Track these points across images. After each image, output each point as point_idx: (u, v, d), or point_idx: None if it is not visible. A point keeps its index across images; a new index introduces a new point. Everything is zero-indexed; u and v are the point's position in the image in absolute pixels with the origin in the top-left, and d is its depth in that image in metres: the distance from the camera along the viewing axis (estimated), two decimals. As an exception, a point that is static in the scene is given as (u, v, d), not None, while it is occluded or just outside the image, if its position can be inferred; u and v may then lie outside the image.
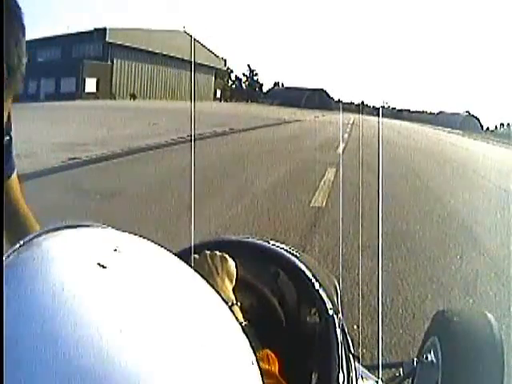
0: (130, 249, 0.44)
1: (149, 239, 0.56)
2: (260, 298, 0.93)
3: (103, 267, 0.39)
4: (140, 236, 0.50)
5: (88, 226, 0.52)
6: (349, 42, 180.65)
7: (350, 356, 0.93)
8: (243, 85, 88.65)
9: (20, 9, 0.61)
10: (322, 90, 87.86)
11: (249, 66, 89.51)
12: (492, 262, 4.63)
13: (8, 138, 0.90)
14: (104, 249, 0.42)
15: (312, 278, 0.96)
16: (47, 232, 0.46)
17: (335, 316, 0.91)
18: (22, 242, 0.48)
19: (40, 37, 42.97)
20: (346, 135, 19.93)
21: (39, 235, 0.46)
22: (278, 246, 1.08)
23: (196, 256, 0.93)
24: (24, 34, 0.61)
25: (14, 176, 1.04)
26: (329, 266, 3.87)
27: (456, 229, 5.81)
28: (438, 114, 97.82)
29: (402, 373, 1.70)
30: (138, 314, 0.37)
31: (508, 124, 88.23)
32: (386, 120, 59.71)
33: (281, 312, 0.92)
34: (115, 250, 0.42)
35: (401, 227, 5.51)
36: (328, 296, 0.95)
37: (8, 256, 0.45)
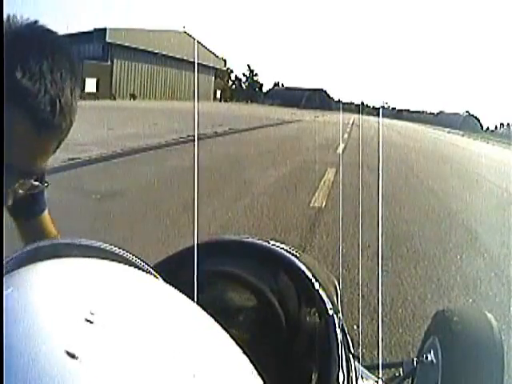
0: (119, 297, 0.37)
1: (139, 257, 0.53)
2: (260, 298, 0.93)
3: (90, 322, 0.32)
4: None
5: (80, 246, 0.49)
6: (348, 42, 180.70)
7: (350, 356, 0.93)
8: (243, 85, 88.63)
9: (76, 64, 0.64)
10: (321, 90, 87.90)
11: (249, 66, 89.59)
12: (492, 261, 4.63)
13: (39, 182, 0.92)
14: (92, 297, 0.35)
15: (312, 278, 0.96)
16: (36, 255, 0.42)
17: (335, 316, 0.91)
18: (18, 253, 0.47)
19: (40, 37, 42.94)
20: (345, 135, 19.92)
21: (31, 254, 0.43)
22: (278, 246, 1.07)
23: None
24: (78, 86, 0.63)
25: (46, 212, 1.07)
26: (329, 266, 3.87)
27: (456, 229, 5.81)
28: (437, 114, 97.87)
29: (401, 373, 1.70)
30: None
31: (508, 124, 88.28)
32: (385, 120, 59.71)
33: (281, 312, 0.92)
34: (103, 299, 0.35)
35: (401, 227, 5.51)
36: (328, 296, 0.95)
37: (7, 262, 0.44)
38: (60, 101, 0.57)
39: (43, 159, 0.61)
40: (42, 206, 1.05)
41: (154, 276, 0.53)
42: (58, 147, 0.63)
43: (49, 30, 0.62)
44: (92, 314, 0.33)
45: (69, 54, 0.63)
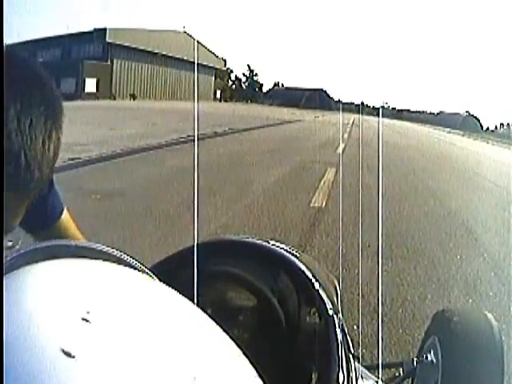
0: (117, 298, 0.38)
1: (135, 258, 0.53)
2: (259, 298, 0.93)
3: (87, 321, 0.32)
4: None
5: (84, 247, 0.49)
6: (348, 42, 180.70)
7: (350, 356, 0.93)
8: (243, 85, 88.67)
9: (60, 111, 0.52)
10: (321, 90, 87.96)
11: (249, 66, 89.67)
12: (492, 261, 4.63)
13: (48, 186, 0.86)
14: (88, 297, 0.35)
15: (312, 278, 0.96)
16: (40, 255, 0.42)
17: (335, 316, 0.91)
18: (20, 252, 0.47)
19: (40, 37, 43.04)
20: (345, 135, 19.93)
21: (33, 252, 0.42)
22: (277, 246, 1.07)
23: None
24: (56, 134, 0.51)
25: (65, 213, 1.01)
26: (329, 266, 3.87)
27: (456, 229, 5.81)
28: (438, 114, 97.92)
29: (401, 373, 1.70)
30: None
31: (508, 124, 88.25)
32: (386, 120, 59.76)
33: (280, 312, 0.92)
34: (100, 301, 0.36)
35: (401, 227, 5.51)
36: (328, 296, 0.95)
37: (6, 263, 0.44)
38: (26, 156, 0.46)
39: (12, 221, 0.52)
40: (56, 212, 0.98)
41: (150, 277, 0.53)
42: (28, 206, 0.53)
43: (27, 64, 0.50)
44: (88, 313, 0.33)
45: (45, 94, 0.50)
